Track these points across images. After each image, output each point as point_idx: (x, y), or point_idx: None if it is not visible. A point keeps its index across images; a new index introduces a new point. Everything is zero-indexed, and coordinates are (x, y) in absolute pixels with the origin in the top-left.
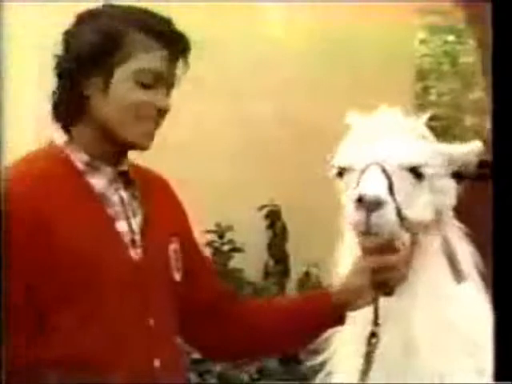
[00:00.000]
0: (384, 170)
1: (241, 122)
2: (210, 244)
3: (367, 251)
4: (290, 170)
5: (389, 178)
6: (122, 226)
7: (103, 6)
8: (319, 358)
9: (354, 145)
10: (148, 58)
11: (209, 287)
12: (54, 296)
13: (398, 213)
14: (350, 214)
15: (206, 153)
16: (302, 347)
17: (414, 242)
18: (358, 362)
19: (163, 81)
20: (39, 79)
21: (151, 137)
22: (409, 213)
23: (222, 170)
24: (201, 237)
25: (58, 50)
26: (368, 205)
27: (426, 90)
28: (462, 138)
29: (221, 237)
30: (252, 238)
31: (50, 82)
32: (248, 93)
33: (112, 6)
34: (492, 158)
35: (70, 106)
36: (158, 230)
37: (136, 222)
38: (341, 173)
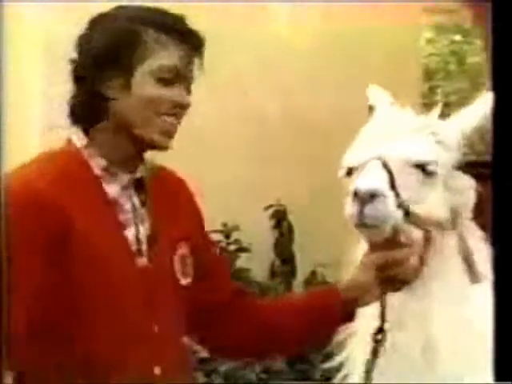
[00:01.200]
0: (385, 165)
1: (247, 121)
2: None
3: (372, 247)
4: (296, 170)
5: (390, 172)
6: (130, 233)
7: (116, 8)
8: (335, 361)
9: (363, 144)
10: (166, 55)
11: (223, 287)
12: (62, 297)
13: (401, 207)
14: (347, 209)
15: (213, 152)
16: (313, 345)
17: (427, 240)
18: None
19: (182, 77)
20: (40, 79)
21: (172, 134)
22: (417, 208)
23: (228, 169)
24: None
25: (73, 54)
26: (361, 197)
27: (432, 89)
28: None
29: (227, 236)
30: (258, 237)
31: (51, 82)
32: (255, 92)
33: (124, 7)
34: (492, 158)
35: (91, 109)
36: (166, 237)
37: (144, 230)
38: (349, 173)
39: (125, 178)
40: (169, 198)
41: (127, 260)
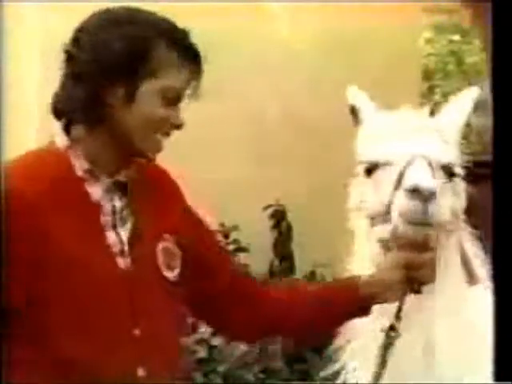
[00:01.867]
0: (430, 164)
1: (246, 121)
2: None
3: (402, 247)
4: (295, 170)
5: (433, 171)
6: (111, 235)
7: (127, 9)
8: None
9: (384, 141)
10: (175, 75)
11: (223, 271)
12: (44, 299)
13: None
14: (402, 204)
15: (212, 152)
16: (323, 333)
17: (437, 243)
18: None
19: (181, 98)
20: (39, 79)
21: (160, 149)
22: (441, 216)
23: (227, 169)
24: None
25: (71, 47)
26: (424, 195)
27: (431, 89)
28: (466, 138)
29: (226, 236)
30: (257, 237)
31: (51, 82)
32: (254, 92)
33: (137, 11)
34: (492, 158)
35: (89, 111)
36: (149, 233)
37: (125, 231)
38: (369, 169)
39: (107, 180)
40: (152, 193)
41: (108, 262)
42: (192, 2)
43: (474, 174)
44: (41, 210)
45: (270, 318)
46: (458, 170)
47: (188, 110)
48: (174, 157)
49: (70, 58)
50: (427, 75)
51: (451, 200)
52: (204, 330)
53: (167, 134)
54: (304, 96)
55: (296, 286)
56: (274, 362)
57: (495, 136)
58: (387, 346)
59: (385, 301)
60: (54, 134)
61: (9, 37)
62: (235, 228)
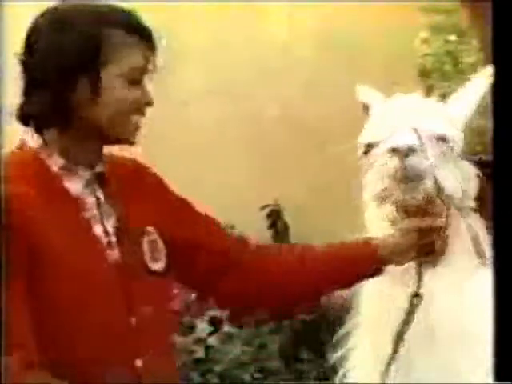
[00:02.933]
0: (415, 131)
1: (244, 122)
2: None
3: (410, 213)
4: (292, 170)
5: (420, 138)
6: (98, 228)
7: (72, 5)
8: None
9: (381, 122)
10: (133, 55)
11: (217, 245)
12: (38, 300)
13: (431, 170)
14: (388, 167)
15: (210, 153)
16: (336, 290)
17: (446, 214)
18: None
19: (145, 76)
20: None
21: (139, 130)
22: (442, 182)
23: (224, 169)
24: None
25: (25, 54)
26: (402, 152)
27: (428, 89)
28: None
29: None
30: (254, 237)
31: None
32: (251, 93)
33: (82, 6)
34: (492, 158)
35: (58, 115)
36: (134, 225)
37: (111, 223)
38: (366, 151)
39: (86, 174)
40: (132, 187)
41: (97, 255)
42: (190, 3)
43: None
44: (24, 212)
45: (277, 282)
46: (453, 144)
47: (187, 111)
48: (170, 158)
49: (26, 65)
50: (424, 75)
51: (461, 179)
52: (201, 329)
53: (142, 114)
54: (302, 96)
55: (309, 247)
56: (270, 361)
57: (495, 136)
58: (410, 312)
59: (399, 263)
60: (24, 135)
61: (9, 37)
62: (232, 228)
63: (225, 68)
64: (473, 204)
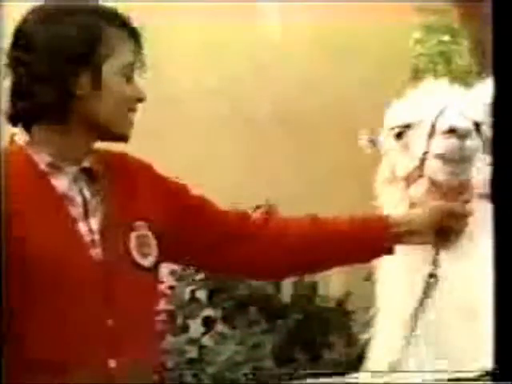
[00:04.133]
0: (462, 114)
1: (237, 122)
2: None
3: (446, 195)
4: (286, 170)
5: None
6: (82, 226)
7: (58, 3)
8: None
9: (417, 104)
10: (127, 51)
11: (216, 224)
12: (18, 297)
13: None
14: (440, 147)
15: (202, 153)
16: (346, 265)
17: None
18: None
19: (133, 72)
20: None
21: (132, 126)
22: (484, 167)
23: (217, 170)
24: None
25: (18, 51)
26: (461, 133)
27: None
28: None
29: None
30: None
31: None
32: (246, 93)
33: (68, 3)
34: (492, 158)
35: (61, 110)
36: (120, 222)
37: (96, 221)
38: (400, 133)
39: (71, 169)
40: (122, 181)
41: (80, 254)
42: (185, 2)
43: None
44: (11, 210)
45: (284, 253)
46: (485, 129)
47: (179, 109)
48: (164, 157)
49: (20, 63)
50: (417, 75)
51: (483, 166)
52: (194, 329)
53: (134, 110)
54: (295, 95)
55: (320, 219)
56: (264, 362)
57: (495, 136)
58: (427, 291)
59: (411, 242)
60: (13, 131)
61: (9, 37)
62: None
63: (218, 66)
64: (485, 193)
